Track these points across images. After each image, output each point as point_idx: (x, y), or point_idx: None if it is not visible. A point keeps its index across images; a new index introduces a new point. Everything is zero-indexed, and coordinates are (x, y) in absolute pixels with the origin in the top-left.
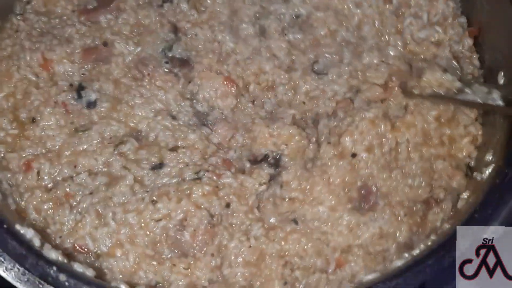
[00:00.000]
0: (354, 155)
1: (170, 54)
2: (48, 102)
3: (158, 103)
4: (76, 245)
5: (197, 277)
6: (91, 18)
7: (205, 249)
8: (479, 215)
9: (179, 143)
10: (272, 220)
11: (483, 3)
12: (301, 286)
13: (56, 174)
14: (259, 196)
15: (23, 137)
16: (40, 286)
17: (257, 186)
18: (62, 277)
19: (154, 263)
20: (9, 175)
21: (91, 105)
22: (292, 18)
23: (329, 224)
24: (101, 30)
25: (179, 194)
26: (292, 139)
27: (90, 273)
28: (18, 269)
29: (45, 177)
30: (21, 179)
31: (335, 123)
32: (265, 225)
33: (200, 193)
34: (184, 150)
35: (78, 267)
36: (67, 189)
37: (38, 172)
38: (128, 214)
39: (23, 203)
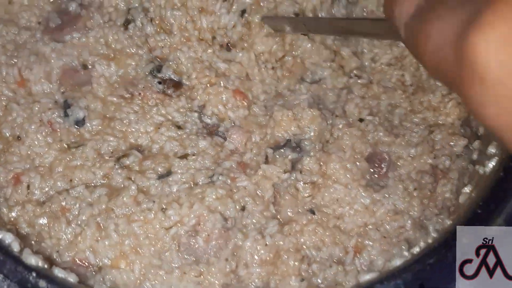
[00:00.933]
0: (361, 120)
1: (160, 75)
2: (32, 119)
3: (158, 116)
4: (76, 259)
5: (209, 283)
6: (56, 37)
7: (219, 254)
8: (482, 210)
9: (189, 150)
10: (288, 213)
11: None
12: (318, 280)
13: (48, 188)
14: (278, 187)
15: (9, 153)
16: None
17: (280, 175)
18: (42, 283)
19: (162, 272)
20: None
21: (80, 123)
22: None
23: (345, 204)
24: (75, 48)
25: (191, 199)
26: (315, 120)
27: (72, 278)
28: None
29: (36, 191)
30: (10, 192)
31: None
32: (281, 220)
33: (214, 197)
34: (194, 157)
35: (59, 273)
36: (63, 203)
37: (28, 186)
38: (134, 223)
39: (13, 214)
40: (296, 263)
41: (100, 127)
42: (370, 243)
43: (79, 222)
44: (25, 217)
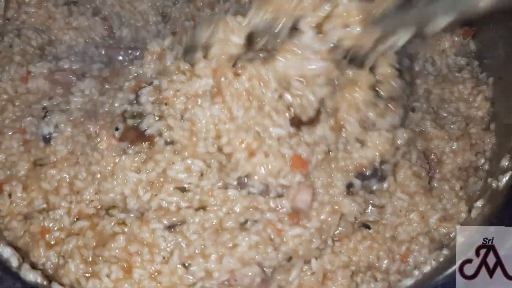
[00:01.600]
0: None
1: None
2: (15, 123)
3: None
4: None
5: None
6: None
7: None
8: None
9: (211, 201)
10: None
11: None
12: None
13: (27, 202)
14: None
15: None
16: None
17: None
18: None
19: None
20: None
21: (46, 139)
22: None
23: (403, 214)
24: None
25: (219, 249)
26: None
27: None
28: None
29: (20, 202)
30: None
31: None
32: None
33: (247, 245)
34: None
35: None
36: (42, 223)
37: (10, 195)
38: (139, 270)
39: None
40: (344, 281)
41: (66, 156)
42: (418, 247)
43: (62, 252)
44: (12, 232)
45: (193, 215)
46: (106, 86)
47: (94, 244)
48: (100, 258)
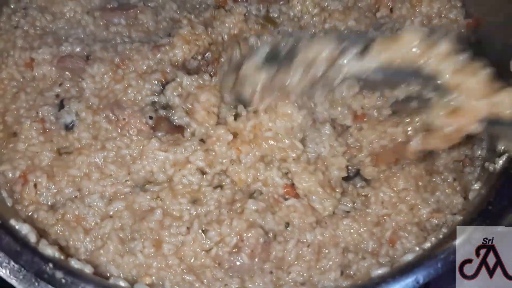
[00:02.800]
0: None
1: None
2: (31, 112)
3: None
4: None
5: None
6: (106, 16)
7: (263, 267)
8: (493, 207)
9: (226, 182)
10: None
11: None
12: (351, 272)
13: (55, 191)
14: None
15: (9, 149)
16: (36, 283)
17: (349, 205)
18: (59, 274)
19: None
20: (8, 184)
21: (68, 127)
22: None
23: (390, 206)
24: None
25: (231, 215)
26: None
27: (88, 269)
28: (13, 265)
29: (44, 193)
30: (19, 190)
31: None
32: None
33: (254, 209)
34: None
35: (75, 264)
36: (76, 212)
37: (35, 185)
38: (167, 245)
39: (29, 214)
40: (338, 257)
41: (90, 143)
42: (406, 234)
43: (99, 235)
44: (39, 220)
45: (212, 191)
46: (120, 73)
47: (131, 222)
48: (136, 234)
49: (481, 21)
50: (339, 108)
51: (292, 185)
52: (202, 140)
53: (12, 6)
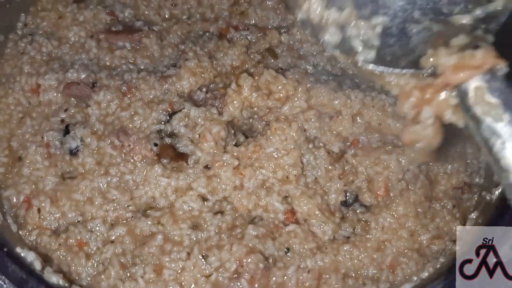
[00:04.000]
0: None
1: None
2: (36, 137)
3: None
4: None
5: None
6: (110, 38)
7: None
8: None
9: (227, 208)
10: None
11: None
12: None
13: (58, 215)
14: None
15: (13, 174)
16: None
17: (349, 231)
18: None
19: None
20: (12, 210)
21: (73, 152)
22: None
23: (390, 231)
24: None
25: (232, 240)
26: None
27: None
28: None
29: (48, 217)
30: (23, 214)
31: None
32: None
33: (254, 234)
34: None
35: None
36: (78, 237)
37: (39, 210)
38: (168, 271)
39: (32, 238)
40: (339, 282)
41: (94, 168)
42: (406, 259)
43: (100, 260)
44: (42, 245)
45: (212, 217)
46: (127, 101)
47: (132, 248)
48: (137, 259)
49: None
50: (328, 134)
51: (292, 210)
52: (206, 167)
53: (18, 32)
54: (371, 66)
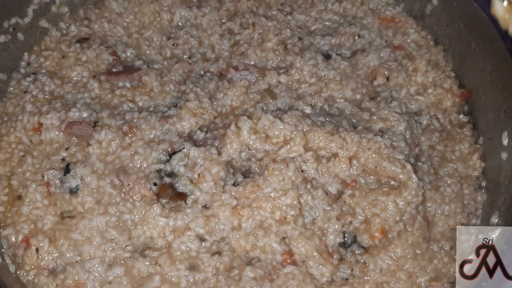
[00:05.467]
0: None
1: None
2: (37, 175)
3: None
4: None
5: None
6: (111, 79)
7: None
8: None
9: (225, 249)
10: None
11: None
12: None
13: (57, 255)
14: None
15: (13, 213)
16: None
17: (348, 272)
18: None
19: None
20: (10, 249)
21: (72, 191)
22: None
23: (389, 273)
24: (105, 106)
25: (229, 282)
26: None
27: None
28: None
29: (46, 257)
30: (21, 254)
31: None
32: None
33: (252, 276)
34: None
35: None
36: (76, 277)
37: (37, 250)
38: None
39: (30, 278)
40: None
41: (93, 207)
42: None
43: None
44: (40, 285)
45: (210, 258)
46: (127, 140)
47: None
48: None
49: (473, 92)
50: (325, 175)
51: (290, 251)
52: (205, 207)
53: (22, 71)
54: None
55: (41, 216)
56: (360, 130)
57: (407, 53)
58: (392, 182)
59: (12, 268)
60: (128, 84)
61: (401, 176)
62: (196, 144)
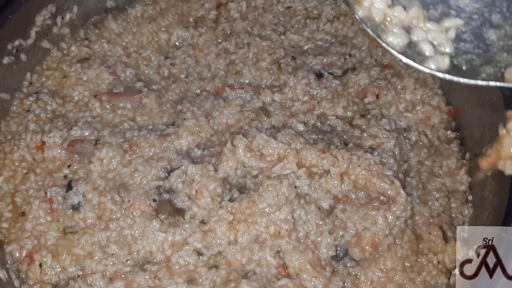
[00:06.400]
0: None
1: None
2: (39, 192)
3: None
4: None
5: None
6: (112, 100)
7: None
8: None
9: (222, 263)
10: None
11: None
12: None
13: (59, 270)
14: None
15: (17, 229)
16: None
17: (340, 285)
18: None
19: None
20: (15, 264)
21: (75, 207)
22: None
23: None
24: (106, 125)
25: None
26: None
27: None
28: None
29: (49, 272)
30: (25, 269)
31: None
32: None
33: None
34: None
35: None
36: None
37: (41, 265)
38: None
39: None
40: None
41: (95, 223)
42: None
43: None
44: None
45: (207, 271)
46: (128, 158)
47: None
48: None
49: (459, 109)
50: (318, 191)
51: (284, 264)
52: (202, 222)
53: (24, 91)
54: (447, 77)
55: (44, 232)
56: (351, 147)
57: (396, 71)
58: (382, 197)
59: (16, 283)
60: (128, 105)
61: (390, 191)
62: (193, 161)
